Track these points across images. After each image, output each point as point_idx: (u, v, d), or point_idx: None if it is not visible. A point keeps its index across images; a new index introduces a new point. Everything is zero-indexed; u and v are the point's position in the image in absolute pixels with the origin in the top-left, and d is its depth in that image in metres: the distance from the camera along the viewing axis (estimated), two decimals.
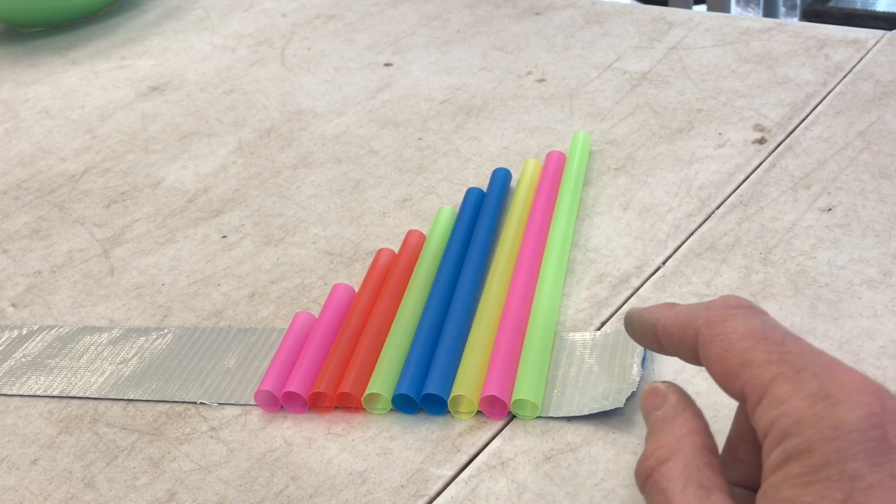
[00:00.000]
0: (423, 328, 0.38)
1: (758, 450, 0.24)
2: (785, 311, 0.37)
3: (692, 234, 0.43)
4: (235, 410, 0.38)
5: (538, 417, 0.35)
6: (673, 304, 0.28)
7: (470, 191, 0.47)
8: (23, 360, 0.42)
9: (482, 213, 0.45)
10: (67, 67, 0.74)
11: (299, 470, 0.34)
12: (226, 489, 0.34)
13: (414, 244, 0.44)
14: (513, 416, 0.35)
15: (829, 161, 0.46)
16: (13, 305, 0.47)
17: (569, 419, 0.34)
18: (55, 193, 0.57)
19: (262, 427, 0.37)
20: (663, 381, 0.28)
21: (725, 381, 0.25)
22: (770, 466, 0.23)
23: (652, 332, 0.28)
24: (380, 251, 0.44)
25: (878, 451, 0.21)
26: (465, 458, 0.34)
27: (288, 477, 0.34)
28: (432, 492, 0.33)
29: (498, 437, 0.34)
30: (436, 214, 0.46)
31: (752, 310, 0.25)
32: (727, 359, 0.25)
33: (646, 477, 0.26)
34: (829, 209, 0.43)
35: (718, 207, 0.44)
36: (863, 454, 0.21)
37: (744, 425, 0.27)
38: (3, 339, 0.44)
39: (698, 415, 0.27)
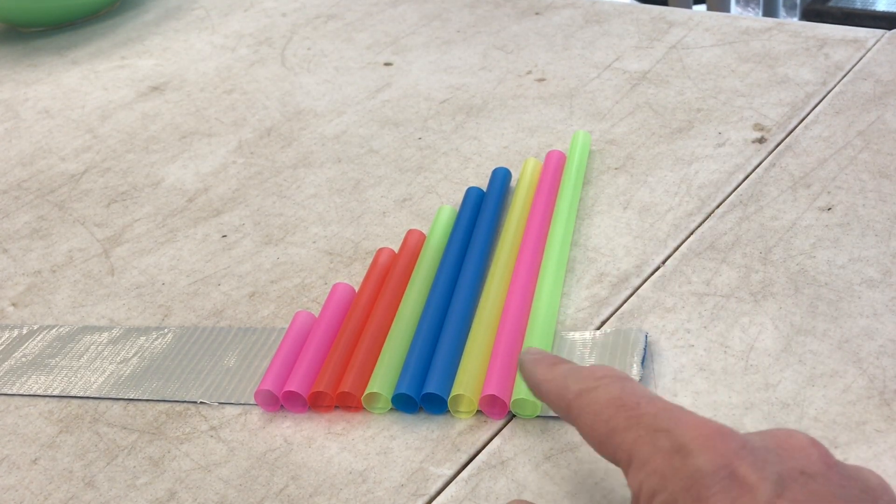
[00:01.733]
0: (422, 327, 0.38)
1: None
2: (784, 311, 0.37)
3: (692, 233, 0.43)
4: (235, 410, 0.38)
5: (538, 417, 0.35)
6: (555, 363, 0.30)
7: (470, 190, 0.47)
8: (23, 359, 0.43)
9: (482, 212, 0.45)
10: (68, 67, 0.75)
11: (299, 469, 0.34)
12: (226, 488, 0.34)
13: (414, 244, 0.44)
14: (513, 416, 0.35)
15: (829, 160, 0.46)
16: (13, 305, 0.47)
17: None
18: (55, 193, 0.57)
19: (263, 426, 0.37)
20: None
21: (601, 449, 0.27)
22: None
23: (535, 390, 0.30)
24: (380, 251, 0.44)
25: (731, 488, 0.23)
26: (465, 458, 0.34)
27: (288, 476, 0.34)
28: (432, 491, 0.33)
29: (498, 436, 0.34)
30: (436, 214, 0.46)
31: (614, 378, 0.27)
32: (595, 428, 0.27)
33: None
34: (829, 208, 0.43)
35: (718, 207, 0.44)
36: (720, 493, 0.23)
37: None
38: (3, 339, 0.44)
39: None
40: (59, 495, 0.35)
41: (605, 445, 0.26)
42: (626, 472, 0.26)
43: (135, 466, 0.36)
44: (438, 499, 0.32)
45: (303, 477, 0.34)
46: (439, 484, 0.33)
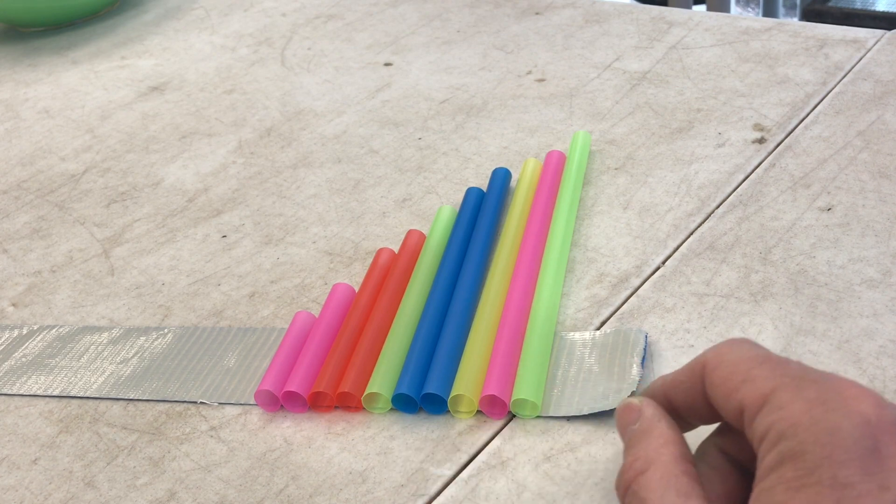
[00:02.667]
0: (423, 328, 0.38)
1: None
2: (784, 311, 0.37)
3: (692, 233, 0.43)
4: (235, 410, 0.38)
5: (538, 417, 0.35)
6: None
7: (470, 190, 0.47)
8: (23, 359, 0.43)
9: (482, 212, 0.45)
10: (68, 67, 0.75)
11: (299, 469, 0.34)
12: (226, 489, 0.34)
13: (414, 244, 0.44)
14: (513, 416, 0.35)
15: (829, 161, 0.46)
16: (13, 305, 0.47)
17: (569, 419, 0.34)
18: (55, 193, 0.57)
19: (262, 427, 0.37)
20: (637, 397, 0.29)
21: (726, 401, 0.25)
22: (764, 469, 0.23)
23: (661, 394, 0.29)
24: (380, 251, 0.44)
25: (870, 461, 0.21)
26: (465, 458, 0.34)
27: (288, 476, 0.34)
28: (432, 491, 0.33)
29: (498, 436, 0.34)
30: (436, 214, 0.46)
31: (755, 343, 0.26)
32: (731, 378, 0.25)
33: (625, 489, 0.26)
34: (829, 209, 0.43)
35: (718, 207, 0.44)
36: (855, 461, 0.21)
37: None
38: (3, 339, 0.44)
39: (673, 426, 0.27)
40: (59, 495, 0.35)
41: (734, 394, 0.25)
42: (750, 418, 0.24)
43: (135, 467, 0.36)
44: (438, 499, 0.32)
45: (303, 477, 0.34)
46: (439, 484, 0.33)
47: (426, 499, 0.32)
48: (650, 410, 0.28)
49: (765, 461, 0.23)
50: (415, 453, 0.34)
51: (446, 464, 0.34)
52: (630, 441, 0.28)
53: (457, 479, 0.33)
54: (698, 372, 0.27)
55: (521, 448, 0.34)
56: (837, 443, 0.22)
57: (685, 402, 0.28)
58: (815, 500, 0.21)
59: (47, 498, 0.35)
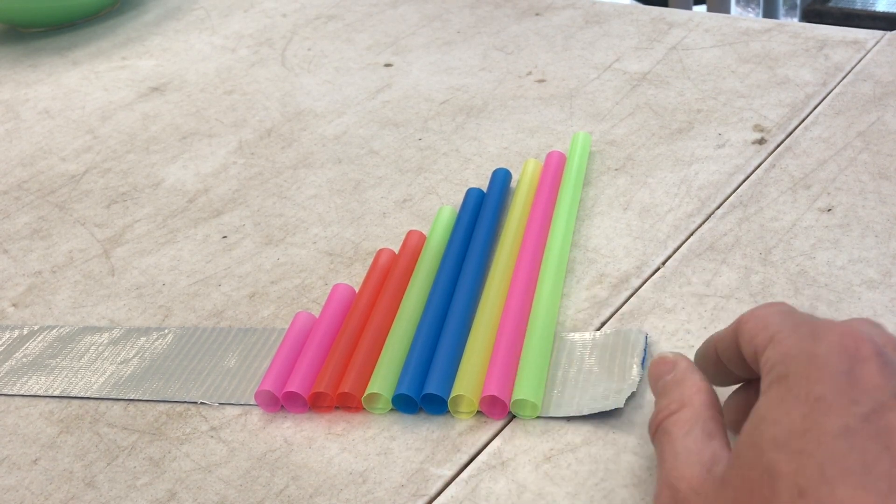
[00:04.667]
0: (423, 328, 0.38)
1: None
2: None
3: (692, 234, 0.43)
4: (236, 410, 0.38)
5: (538, 417, 0.35)
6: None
7: (470, 191, 0.47)
8: (23, 360, 0.43)
9: (482, 213, 0.45)
10: (68, 68, 0.75)
11: (300, 470, 0.34)
12: (226, 489, 0.34)
13: (414, 244, 0.44)
14: (513, 416, 0.35)
15: (829, 161, 0.46)
16: (14, 305, 0.47)
17: (569, 419, 0.34)
18: (56, 194, 0.57)
19: (263, 427, 0.37)
20: (671, 352, 0.31)
21: (748, 348, 0.27)
22: (760, 396, 0.25)
23: (711, 346, 0.30)
24: (380, 251, 0.44)
25: (843, 381, 0.23)
26: (465, 458, 0.34)
27: (288, 477, 0.34)
28: (432, 491, 0.33)
29: (498, 436, 0.34)
30: (436, 215, 0.46)
31: (788, 305, 0.28)
32: (754, 329, 0.27)
33: (656, 427, 0.28)
34: (829, 209, 0.43)
35: (718, 208, 0.44)
36: (829, 381, 0.23)
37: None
38: (3, 340, 0.44)
39: (705, 379, 0.29)
40: (60, 496, 0.35)
41: (754, 339, 0.27)
42: (760, 357, 0.26)
43: (135, 467, 0.36)
44: (438, 499, 0.32)
45: (303, 477, 0.34)
46: (439, 484, 0.33)
47: (426, 499, 0.32)
48: (684, 363, 0.30)
49: (761, 389, 0.25)
50: (415, 454, 0.34)
51: (446, 464, 0.34)
52: (664, 389, 0.29)
53: (457, 479, 0.33)
54: (735, 328, 0.29)
55: (521, 448, 0.34)
56: (815, 366, 0.24)
57: (727, 354, 0.29)
58: (788, 410, 0.23)
59: (48, 498, 0.35)
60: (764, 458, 0.23)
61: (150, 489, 0.35)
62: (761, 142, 0.49)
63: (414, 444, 0.35)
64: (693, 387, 0.29)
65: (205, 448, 0.36)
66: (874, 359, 0.24)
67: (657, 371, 0.30)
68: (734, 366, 0.29)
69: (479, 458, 0.34)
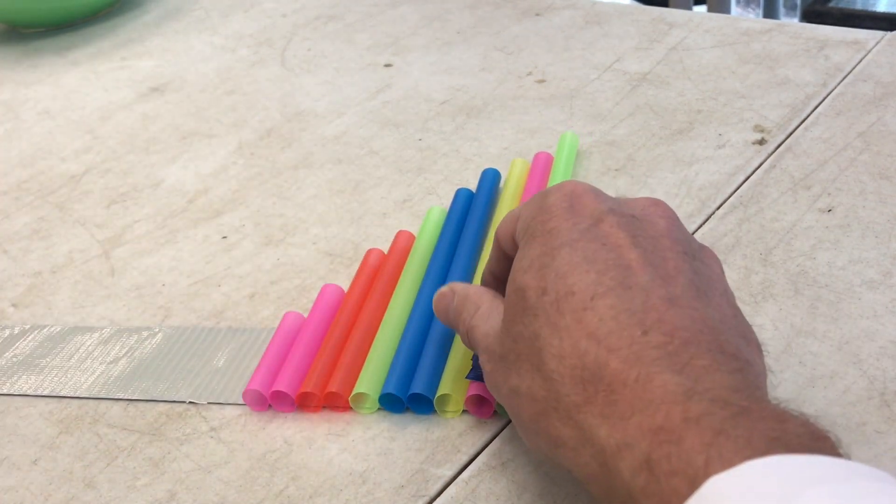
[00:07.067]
0: (410, 328, 0.38)
1: None
2: (785, 312, 0.37)
3: (692, 234, 0.43)
4: (235, 411, 0.38)
5: None
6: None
7: (459, 191, 0.47)
8: (14, 359, 0.43)
9: (471, 213, 0.45)
10: (68, 68, 0.75)
11: (299, 470, 0.34)
12: (226, 489, 0.34)
13: (403, 245, 0.44)
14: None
15: (829, 162, 0.46)
16: (14, 306, 0.47)
17: None
18: (56, 194, 0.57)
19: (263, 427, 0.37)
20: (444, 286, 0.35)
21: (507, 241, 0.33)
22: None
23: (487, 273, 0.35)
24: (369, 251, 0.44)
25: (567, 213, 0.29)
26: (465, 459, 0.34)
27: (288, 477, 0.34)
28: (433, 492, 0.33)
29: (498, 437, 0.34)
30: (425, 215, 0.46)
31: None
32: (507, 222, 0.33)
33: (466, 332, 0.32)
34: (829, 210, 0.43)
35: (718, 208, 0.44)
36: (557, 216, 0.29)
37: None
38: None
39: (487, 288, 0.34)
40: (60, 496, 0.35)
41: (507, 234, 0.32)
42: (515, 237, 0.32)
43: (135, 467, 0.36)
44: (439, 500, 0.32)
45: (303, 478, 0.34)
46: (440, 485, 0.33)
47: (426, 499, 0.32)
48: (459, 285, 0.34)
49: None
50: (415, 454, 0.34)
51: (447, 464, 0.34)
52: (455, 311, 0.33)
53: (457, 479, 0.33)
54: (495, 242, 0.34)
55: (521, 449, 0.34)
56: (545, 211, 0.30)
57: (502, 268, 0.34)
58: (532, 249, 0.29)
59: (47, 499, 0.35)
60: (518, 283, 0.29)
61: (149, 489, 0.35)
62: (762, 142, 0.49)
63: (414, 444, 0.35)
64: (476, 293, 0.33)
65: (204, 448, 0.36)
66: (588, 192, 0.30)
67: (442, 305, 0.34)
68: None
69: (480, 458, 0.34)
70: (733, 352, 0.26)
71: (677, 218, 0.31)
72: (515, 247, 0.32)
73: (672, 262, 0.28)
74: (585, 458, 0.25)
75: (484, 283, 0.36)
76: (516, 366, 0.28)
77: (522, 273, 0.29)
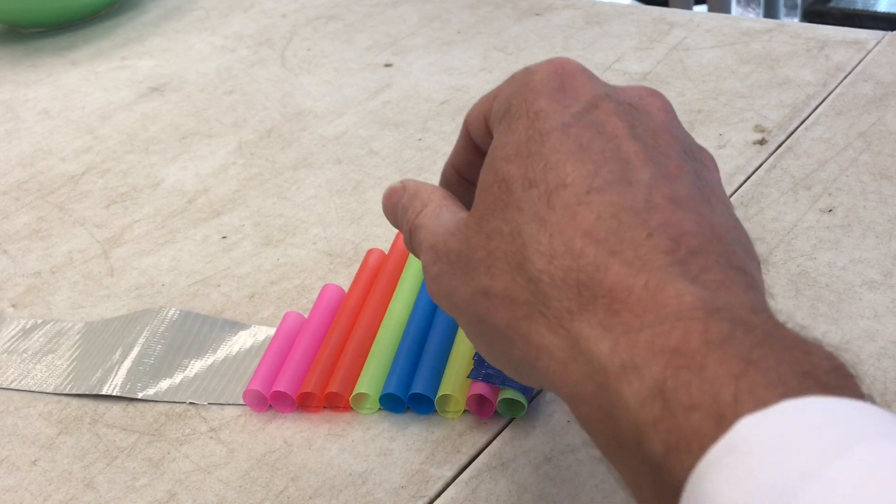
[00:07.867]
0: (411, 328, 0.38)
1: None
2: (785, 312, 0.37)
3: None
4: (235, 411, 0.38)
5: (539, 418, 0.35)
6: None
7: None
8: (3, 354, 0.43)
9: None
10: (68, 68, 0.74)
11: (299, 471, 0.34)
12: (226, 490, 0.34)
13: (403, 244, 0.44)
14: (512, 417, 0.35)
15: (830, 162, 0.46)
16: (13, 306, 0.47)
17: (569, 420, 0.34)
18: (55, 194, 0.57)
19: (262, 428, 0.37)
20: (397, 181, 0.32)
21: (479, 126, 0.29)
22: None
23: (450, 170, 0.32)
24: (369, 252, 0.44)
25: (557, 93, 0.26)
26: (465, 459, 0.34)
27: (288, 478, 0.34)
28: (433, 492, 0.33)
29: (498, 438, 0.34)
30: None
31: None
32: (483, 106, 0.29)
33: (409, 231, 0.29)
34: (830, 210, 0.43)
35: None
36: (544, 96, 0.26)
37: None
38: None
39: (438, 187, 0.31)
40: (59, 496, 0.35)
41: (480, 117, 0.29)
42: (489, 119, 0.28)
43: (134, 468, 0.36)
44: (439, 500, 0.32)
45: (303, 478, 0.34)
46: (440, 485, 0.33)
47: (426, 500, 0.32)
48: (411, 182, 0.31)
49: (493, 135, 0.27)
50: (415, 454, 0.34)
51: (447, 465, 0.34)
52: (404, 207, 0.30)
53: (457, 480, 0.33)
54: (462, 131, 0.30)
55: (521, 449, 0.34)
56: (531, 89, 0.26)
57: (468, 162, 0.31)
58: (514, 131, 0.26)
59: (47, 499, 0.35)
60: (498, 173, 0.25)
61: (149, 490, 0.35)
62: (762, 142, 0.49)
63: (414, 444, 0.35)
64: (426, 191, 0.30)
65: (204, 449, 0.36)
66: (581, 73, 0.27)
67: (391, 201, 0.31)
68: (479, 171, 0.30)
69: (480, 458, 0.34)
70: (741, 265, 0.23)
71: (675, 112, 0.28)
72: (488, 134, 0.28)
73: (674, 160, 0.25)
74: (576, 374, 0.22)
75: (445, 178, 0.32)
76: (486, 264, 0.25)
77: (504, 161, 0.25)
